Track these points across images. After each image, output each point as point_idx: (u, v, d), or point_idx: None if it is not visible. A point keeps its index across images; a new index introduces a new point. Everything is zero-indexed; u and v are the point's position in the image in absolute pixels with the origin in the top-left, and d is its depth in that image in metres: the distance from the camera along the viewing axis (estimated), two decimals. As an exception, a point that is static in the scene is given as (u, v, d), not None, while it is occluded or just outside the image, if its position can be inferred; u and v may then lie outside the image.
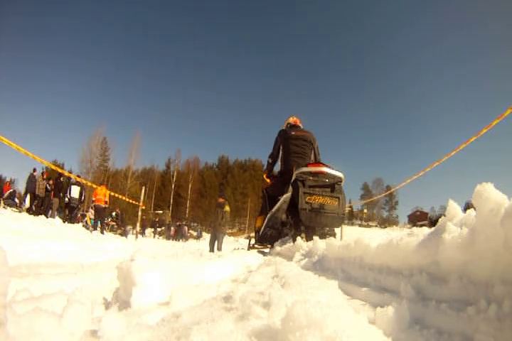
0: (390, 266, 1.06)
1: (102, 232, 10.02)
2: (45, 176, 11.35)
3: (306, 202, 3.30)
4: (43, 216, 7.21)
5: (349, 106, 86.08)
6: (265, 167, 4.56)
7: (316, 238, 2.37)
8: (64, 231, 5.09)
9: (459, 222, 0.82)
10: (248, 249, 4.71)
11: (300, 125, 4.48)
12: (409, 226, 46.57)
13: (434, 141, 75.90)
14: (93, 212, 11.79)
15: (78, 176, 11.97)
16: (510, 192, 0.77)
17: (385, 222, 55.23)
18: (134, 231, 12.14)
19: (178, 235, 22.52)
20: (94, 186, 10.80)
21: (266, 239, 4.29)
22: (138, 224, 10.96)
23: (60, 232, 4.77)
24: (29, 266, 2.14)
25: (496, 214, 0.64)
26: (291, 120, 4.49)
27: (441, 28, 79.10)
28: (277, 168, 4.41)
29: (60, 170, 8.31)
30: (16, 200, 12.58)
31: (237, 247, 7.03)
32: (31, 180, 11.17)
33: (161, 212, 35.79)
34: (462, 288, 0.69)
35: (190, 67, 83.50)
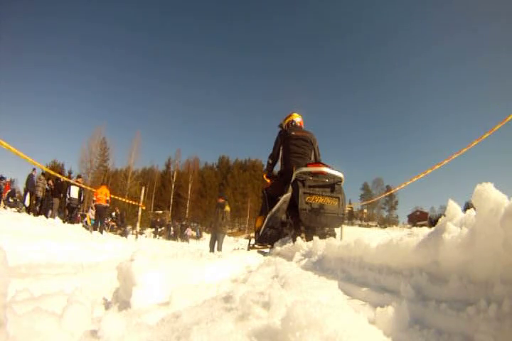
0: (390, 266, 1.06)
1: (101, 232, 10.02)
2: (45, 176, 11.37)
3: (306, 202, 3.29)
4: (42, 216, 7.22)
5: (349, 106, 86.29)
6: (265, 167, 4.56)
7: (316, 238, 2.37)
8: (64, 231, 5.09)
9: (459, 222, 0.82)
10: (248, 249, 4.71)
11: (302, 125, 4.47)
12: (409, 226, 46.57)
13: (434, 141, 76.05)
14: (93, 212, 11.78)
15: (79, 176, 11.98)
16: (510, 192, 0.77)
17: (385, 222, 55.23)
18: (134, 232, 12.13)
19: (182, 235, 22.51)
20: (94, 190, 10.79)
21: (266, 239, 4.29)
22: (138, 224, 10.95)
23: (60, 232, 4.77)
24: (29, 266, 2.14)
25: (496, 214, 0.64)
26: (296, 120, 4.42)
27: (442, 28, 79.19)
28: (278, 168, 4.41)
29: (58, 175, 8.30)
30: (10, 200, 12.58)
31: (237, 247, 7.03)
32: (31, 180, 11.19)
33: (161, 212, 35.78)
34: (462, 288, 0.69)
35: (190, 67, 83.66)
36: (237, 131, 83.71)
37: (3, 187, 12.60)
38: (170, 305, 0.92)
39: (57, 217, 9.01)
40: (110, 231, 13.86)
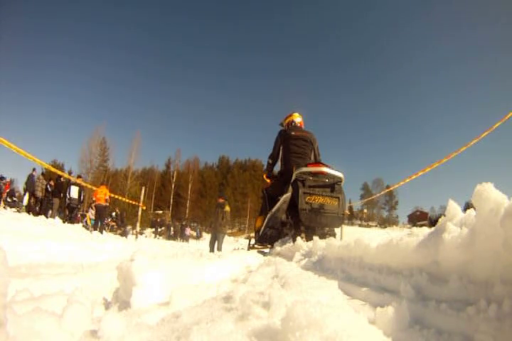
0: (390, 266, 1.06)
1: (101, 232, 10.00)
2: (44, 176, 11.36)
3: (306, 202, 3.29)
4: (42, 216, 7.21)
5: (349, 106, 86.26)
6: (265, 167, 4.56)
7: (316, 238, 2.37)
8: (64, 231, 5.08)
9: (459, 222, 0.82)
10: (248, 249, 4.70)
11: (302, 126, 4.46)
12: (409, 226, 46.55)
13: (434, 141, 76.03)
14: (93, 212, 11.77)
15: (79, 176, 11.98)
16: (510, 192, 0.77)
17: (385, 222, 55.23)
18: (134, 232, 12.11)
19: (182, 235, 22.64)
20: (94, 188, 10.77)
21: (266, 239, 4.29)
22: (138, 224, 10.94)
23: (60, 232, 4.76)
24: (29, 266, 2.13)
25: (495, 214, 0.64)
26: (297, 120, 4.41)
27: (443, 27, 79.17)
28: (278, 168, 4.41)
29: (59, 173, 8.28)
30: (9, 200, 12.58)
31: (237, 247, 7.02)
32: (31, 180, 11.19)
33: (161, 212, 35.80)
34: (462, 288, 0.69)
35: (190, 67, 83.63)
36: (237, 131, 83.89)
37: (3, 187, 12.59)
38: (170, 305, 0.92)
39: (57, 217, 9.00)
40: (110, 231, 13.84)
